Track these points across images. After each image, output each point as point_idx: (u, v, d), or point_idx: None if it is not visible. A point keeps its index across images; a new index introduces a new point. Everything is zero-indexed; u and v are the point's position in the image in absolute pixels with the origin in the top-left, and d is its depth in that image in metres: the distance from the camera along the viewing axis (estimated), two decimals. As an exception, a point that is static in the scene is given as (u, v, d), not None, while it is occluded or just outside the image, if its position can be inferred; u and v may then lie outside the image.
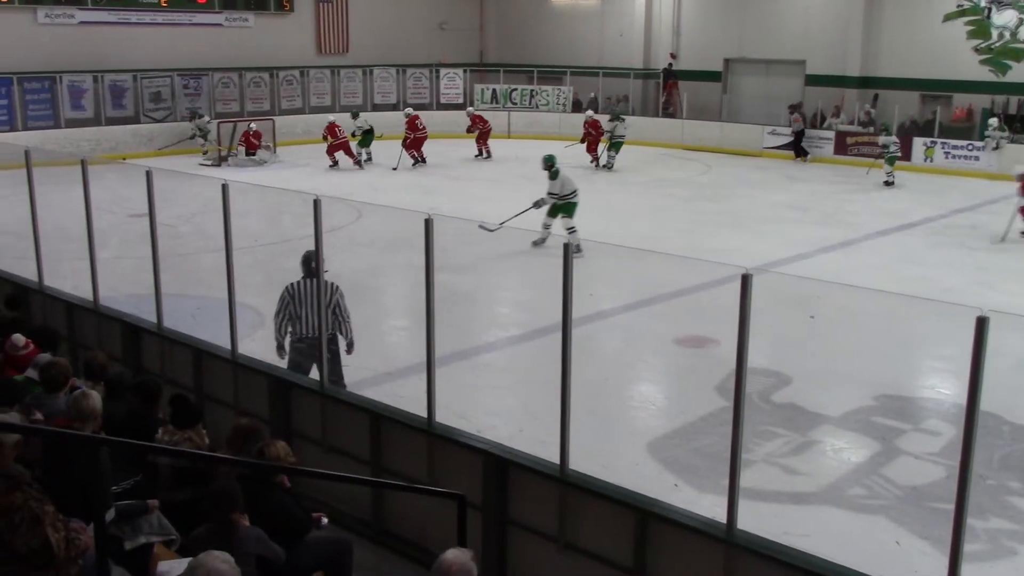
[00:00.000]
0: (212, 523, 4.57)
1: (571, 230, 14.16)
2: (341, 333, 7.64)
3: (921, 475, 7.26)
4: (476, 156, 24.89)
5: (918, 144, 24.05)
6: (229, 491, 4.59)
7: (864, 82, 26.48)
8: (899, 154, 21.65)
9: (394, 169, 22.52)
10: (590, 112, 25.01)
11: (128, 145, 24.02)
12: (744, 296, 4.51)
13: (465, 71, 31.08)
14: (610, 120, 23.39)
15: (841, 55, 26.60)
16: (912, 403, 8.96)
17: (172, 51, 26.00)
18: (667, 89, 29.65)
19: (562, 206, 14.47)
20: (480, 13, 33.98)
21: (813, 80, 27.26)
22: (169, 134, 24.47)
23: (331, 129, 23.06)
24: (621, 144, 23.27)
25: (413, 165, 23.08)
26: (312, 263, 7.40)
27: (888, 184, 21.28)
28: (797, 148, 25.35)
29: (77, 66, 24.11)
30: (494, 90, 30.60)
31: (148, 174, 7.57)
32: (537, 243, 14.32)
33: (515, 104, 30.27)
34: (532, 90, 30.44)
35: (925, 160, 23.81)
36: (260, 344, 8.22)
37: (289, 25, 28.97)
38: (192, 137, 23.95)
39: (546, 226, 14.47)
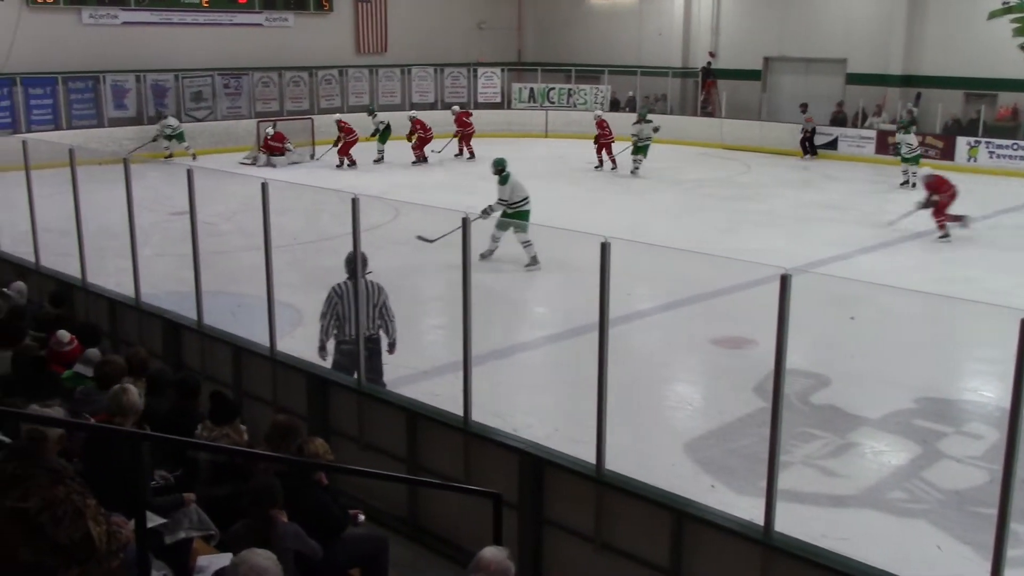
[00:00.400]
0: (251, 519, 4.61)
1: (526, 244, 13.32)
2: (386, 332, 7.62)
3: (963, 479, 7.16)
4: (456, 155, 24.48)
5: (961, 144, 23.72)
6: (268, 487, 4.63)
7: (906, 80, 26.14)
8: (918, 152, 20.91)
9: (436, 152, 23.24)
10: (599, 111, 24.56)
11: (170, 143, 24.29)
12: (783, 296, 4.48)
13: (503, 70, 31.11)
14: (634, 123, 22.39)
15: (883, 53, 26.28)
16: (954, 406, 8.84)
17: (213, 51, 26.26)
18: (706, 88, 29.48)
19: (512, 215, 13.53)
20: (518, 12, 33.99)
21: (854, 79, 26.96)
22: (140, 138, 23.71)
23: (346, 127, 22.90)
24: (647, 147, 22.24)
25: (465, 157, 23.71)
26: (354, 265, 7.42)
27: (905, 185, 20.53)
28: (805, 145, 25.39)
29: (120, 66, 24.43)
30: (531, 89, 30.59)
31: (189, 173, 7.66)
32: (485, 256, 13.31)
33: (552, 103, 30.25)
34: (570, 89, 30.40)
35: (969, 160, 23.47)
36: (299, 342, 8.28)
37: (328, 25, 29.16)
38: (155, 139, 23.31)
39: (495, 239, 13.54)
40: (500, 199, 13.63)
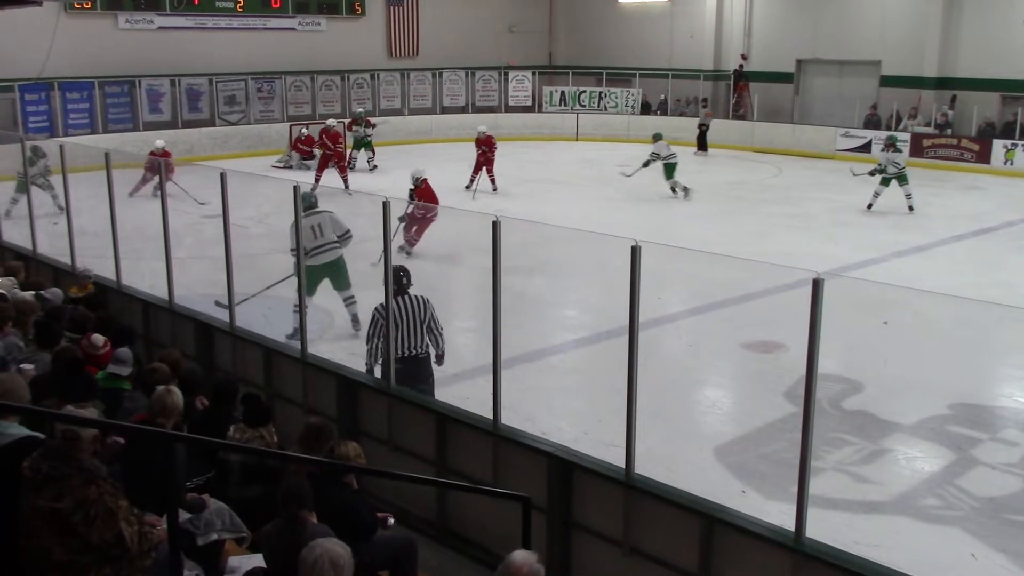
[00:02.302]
0: (281, 520, 4.64)
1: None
2: (435, 347, 7.49)
3: (998, 486, 7.08)
4: (466, 187, 19.94)
5: (998, 147, 23.44)
6: (298, 489, 4.65)
7: (941, 83, 25.85)
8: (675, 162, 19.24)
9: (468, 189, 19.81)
10: (482, 128, 20.26)
11: (203, 147, 24.53)
12: (815, 301, 4.44)
13: (534, 73, 31.13)
14: (654, 139, 20.08)
15: (918, 55, 26.00)
16: (989, 412, 8.73)
17: (247, 55, 26.51)
18: (738, 90, 29.31)
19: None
20: (549, 15, 33.99)
21: (888, 81, 26.70)
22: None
23: (333, 136, 19.79)
24: (674, 167, 19.51)
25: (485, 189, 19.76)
26: (403, 280, 7.37)
27: (684, 190, 19.10)
28: (700, 141, 25.71)
29: (155, 70, 24.70)
30: (563, 92, 30.59)
31: (222, 176, 7.72)
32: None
33: (584, 106, 30.23)
34: (601, 92, 30.36)
35: (1005, 163, 23.19)
36: (329, 344, 8.33)
37: (361, 29, 29.32)
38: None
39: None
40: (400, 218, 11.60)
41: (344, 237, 10.33)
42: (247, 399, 6.27)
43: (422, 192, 13.76)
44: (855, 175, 19.10)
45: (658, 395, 7.91)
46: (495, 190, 19.77)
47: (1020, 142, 23.25)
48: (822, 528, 4.78)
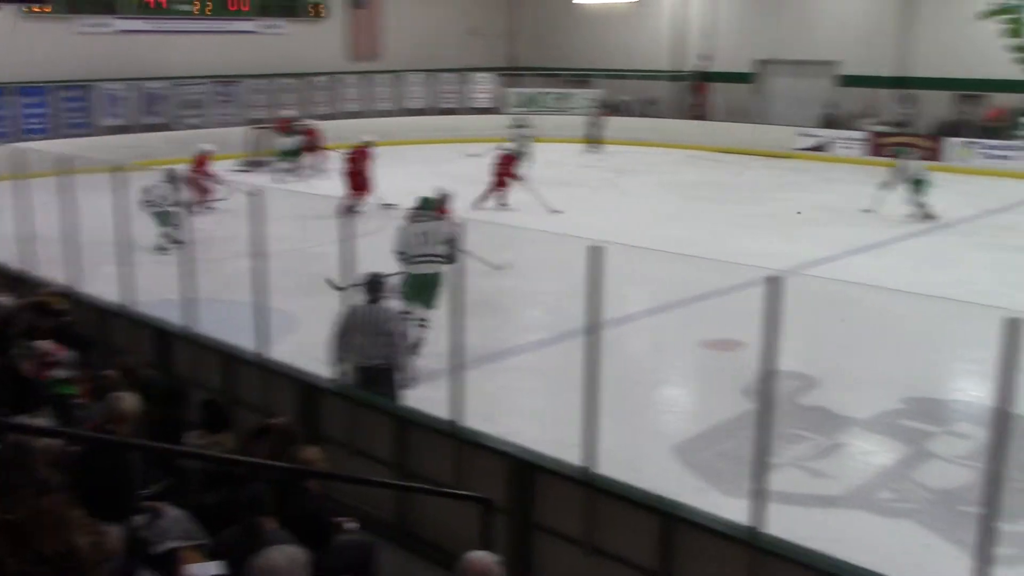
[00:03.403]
0: (240, 526, 4.62)
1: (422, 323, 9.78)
2: (397, 365, 7.21)
3: (951, 478, 7.21)
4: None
5: (952, 145, 23.82)
6: (257, 495, 4.64)
7: (897, 82, 26.22)
8: (923, 179, 17.54)
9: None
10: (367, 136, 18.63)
11: (161, 151, 24.27)
12: (772, 299, 4.50)
13: (495, 75, 31.16)
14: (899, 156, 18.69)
15: (874, 55, 26.35)
16: (942, 406, 8.88)
17: (206, 59, 26.27)
18: (698, 91, 29.55)
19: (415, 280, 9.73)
20: (510, 17, 34.05)
21: (846, 80, 27.04)
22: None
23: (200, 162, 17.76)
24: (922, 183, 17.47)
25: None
26: (374, 288, 7.23)
27: (924, 209, 17.53)
28: (593, 139, 26.29)
29: (114, 74, 24.43)
30: (524, 94, 30.65)
31: (169, 172, 7.62)
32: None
33: (545, 108, 30.31)
34: (562, 93, 30.47)
35: (959, 160, 23.55)
36: (290, 348, 8.30)
37: (322, 31, 29.18)
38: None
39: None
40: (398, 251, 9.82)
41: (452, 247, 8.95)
42: (206, 405, 6.24)
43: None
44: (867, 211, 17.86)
45: (619, 395, 7.93)
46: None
47: (974, 140, 23.63)
48: (779, 523, 4.84)
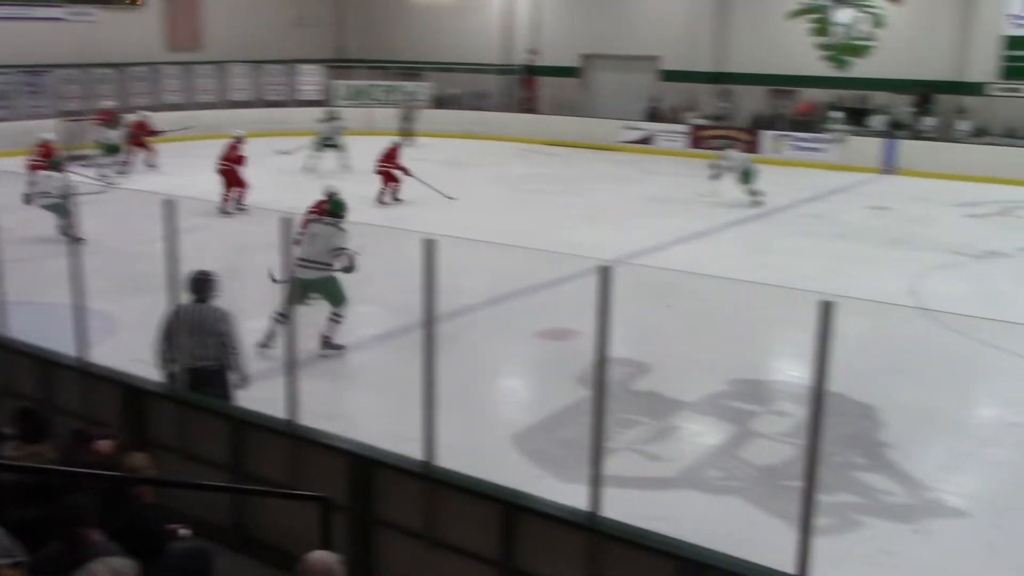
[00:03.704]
0: (62, 540, 4.38)
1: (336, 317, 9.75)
2: (229, 365, 6.99)
3: (773, 455, 7.56)
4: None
5: (767, 137, 25.02)
6: (79, 506, 4.41)
7: (715, 78, 27.36)
8: (749, 168, 18.98)
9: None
10: (240, 131, 18.07)
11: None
12: (603, 288, 4.59)
13: (323, 67, 30.62)
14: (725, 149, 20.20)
15: (693, 52, 27.42)
16: (764, 386, 9.31)
17: (10, 47, 24.68)
18: (526, 85, 29.94)
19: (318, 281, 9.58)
20: (338, 8, 33.55)
21: (667, 75, 28.01)
22: None
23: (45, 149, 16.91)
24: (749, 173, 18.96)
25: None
26: (198, 285, 6.91)
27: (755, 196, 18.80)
28: (406, 131, 26.53)
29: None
30: (353, 86, 30.27)
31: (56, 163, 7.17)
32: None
33: (375, 101, 30.02)
34: (392, 86, 30.26)
35: (774, 152, 24.77)
36: (110, 351, 7.91)
37: (138, 19, 27.93)
38: None
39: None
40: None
41: (336, 255, 9.48)
42: (22, 414, 5.88)
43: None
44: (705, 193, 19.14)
45: (457, 387, 7.94)
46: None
47: (786, 133, 24.90)
48: (616, 506, 4.95)
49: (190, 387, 6.76)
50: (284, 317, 8.69)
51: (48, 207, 13.57)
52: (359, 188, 17.40)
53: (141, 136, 21.80)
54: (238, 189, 17.08)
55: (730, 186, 18.87)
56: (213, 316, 6.93)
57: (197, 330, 6.83)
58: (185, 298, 6.92)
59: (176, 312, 6.85)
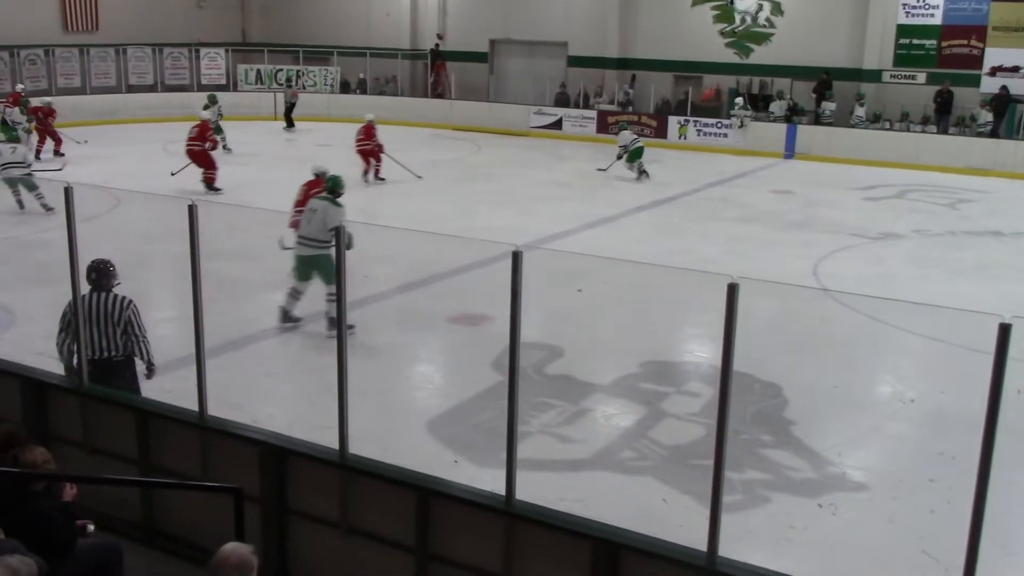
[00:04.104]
0: (-39, 540, 4.23)
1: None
2: (136, 354, 6.79)
3: (684, 435, 7.71)
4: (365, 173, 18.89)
5: (673, 123, 25.38)
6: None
7: (622, 63, 27.65)
8: (642, 146, 20.32)
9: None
10: (370, 116, 19.61)
11: None
12: (515, 272, 4.61)
13: (227, 51, 29.96)
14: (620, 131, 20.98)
15: (601, 38, 27.65)
16: (674, 368, 9.49)
17: None
18: (435, 70, 29.79)
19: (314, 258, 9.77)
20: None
21: (575, 61, 28.20)
22: None
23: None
24: (641, 151, 20.21)
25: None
26: (97, 274, 6.69)
27: (642, 175, 20.09)
28: (288, 119, 26.76)
29: None
30: (258, 71, 29.71)
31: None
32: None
33: (281, 85, 29.51)
34: (298, 71, 29.79)
35: (680, 138, 25.17)
36: (9, 345, 7.66)
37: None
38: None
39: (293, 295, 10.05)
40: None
41: (333, 232, 8.73)
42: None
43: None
44: (601, 170, 20.62)
45: (369, 374, 7.95)
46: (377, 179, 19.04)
47: (692, 118, 25.30)
48: (531, 489, 5.00)
49: (94, 379, 6.57)
50: (298, 292, 9.80)
51: (13, 179, 14.36)
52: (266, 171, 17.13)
53: (48, 122, 21.03)
54: (211, 170, 17.42)
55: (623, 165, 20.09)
56: (117, 305, 6.74)
57: (100, 320, 6.64)
58: (85, 288, 6.73)
59: (76, 303, 6.65)
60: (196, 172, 17.35)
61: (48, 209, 14.43)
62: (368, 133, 18.88)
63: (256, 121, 27.50)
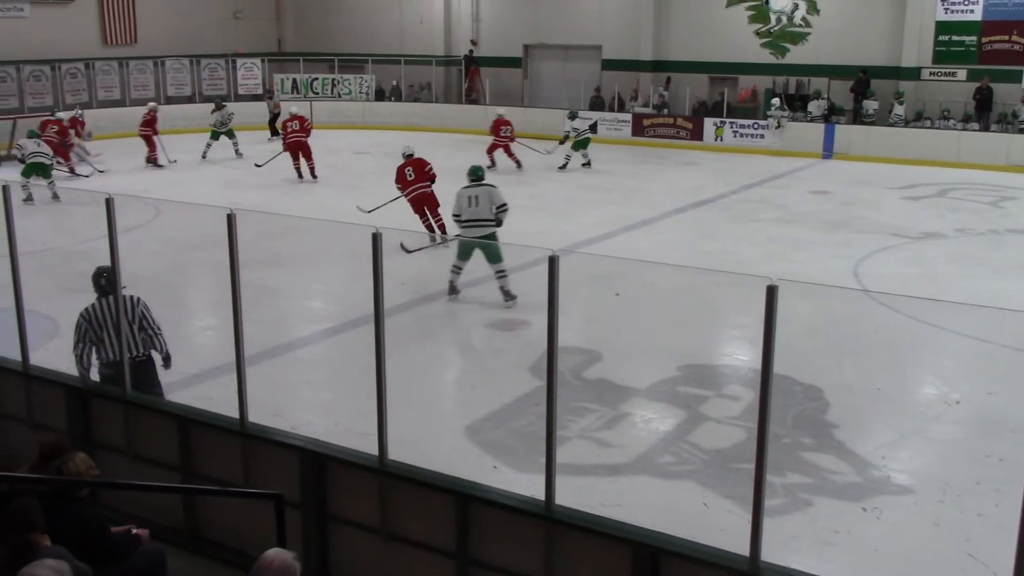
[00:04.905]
0: (9, 546, 4.29)
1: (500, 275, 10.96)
2: (155, 348, 6.98)
3: (724, 438, 7.64)
4: (489, 167, 20.17)
5: (709, 124, 25.23)
6: (25, 511, 4.32)
7: (657, 66, 27.53)
8: (589, 137, 21.81)
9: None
10: (501, 109, 22.41)
11: None
12: (552, 277, 4.60)
13: (263, 61, 30.26)
14: (570, 118, 22.19)
15: (634, 40, 27.56)
16: (713, 371, 9.41)
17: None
18: (469, 76, 29.86)
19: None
20: (276, 1, 33.18)
21: (609, 64, 28.13)
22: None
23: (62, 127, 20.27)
24: (587, 141, 21.71)
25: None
26: (102, 280, 6.82)
27: (585, 161, 21.60)
28: (272, 128, 26.31)
29: None
30: (294, 80, 29.96)
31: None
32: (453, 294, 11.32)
33: (317, 94, 29.75)
34: (334, 79, 30.00)
35: (716, 139, 25.02)
36: (54, 354, 7.76)
37: (70, 15, 27.37)
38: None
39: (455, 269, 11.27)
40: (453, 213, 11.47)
41: (501, 210, 11.06)
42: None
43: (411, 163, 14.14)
44: (547, 152, 22.05)
45: (408, 380, 7.95)
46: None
47: (727, 119, 25.15)
48: (570, 494, 4.99)
49: (117, 382, 6.70)
50: (459, 268, 11.12)
51: (35, 165, 16.86)
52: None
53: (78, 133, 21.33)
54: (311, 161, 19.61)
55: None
56: (129, 304, 6.88)
57: (111, 323, 6.74)
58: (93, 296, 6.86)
59: (93, 310, 6.78)
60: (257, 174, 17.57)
61: (55, 197, 16.76)
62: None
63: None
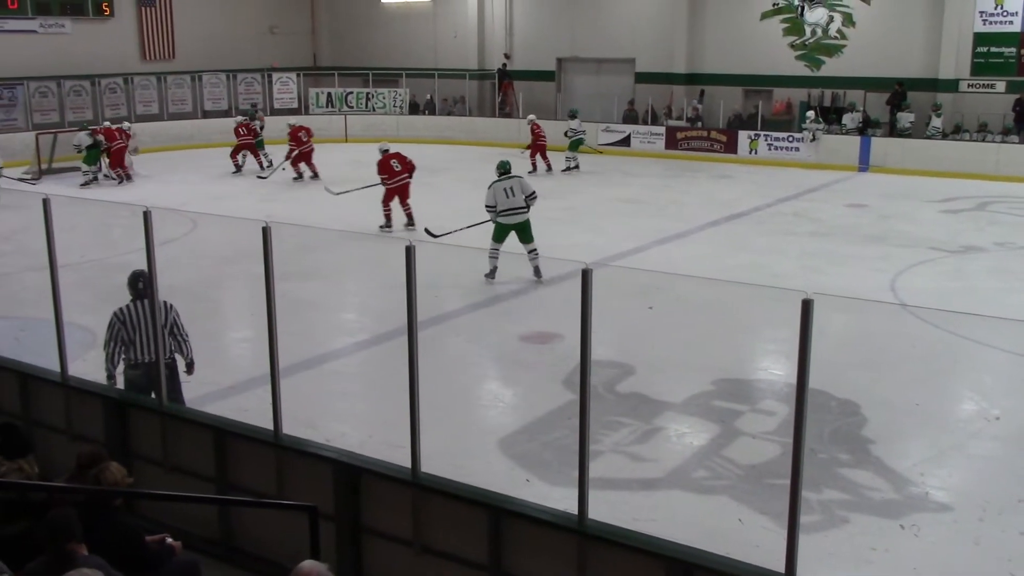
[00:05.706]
0: (47, 556, 4.34)
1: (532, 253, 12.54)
2: (180, 354, 7.22)
3: (759, 454, 7.58)
4: (530, 172, 21.96)
5: (743, 137, 25.12)
6: (64, 521, 4.37)
7: (690, 79, 27.45)
8: (583, 139, 23.54)
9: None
10: (532, 116, 23.84)
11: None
12: (585, 290, 4.59)
13: (298, 75, 30.54)
14: (570, 117, 23.70)
15: (668, 53, 27.51)
16: (748, 385, 9.34)
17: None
18: (503, 89, 29.95)
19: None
20: (311, 16, 33.48)
21: (643, 77, 28.08)
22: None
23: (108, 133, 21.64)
24: (580, 141, 23.51)
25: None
26: (139, 284, 7.02)
27: (570, 170, 22.89)
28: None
29: None
30: (329, 94, 30.19)
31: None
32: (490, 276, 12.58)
33: (351, 108, 29.96)
34: (368, 93, 30.21)
35: (750, 152, 24.90)
36: (92, 365, 7.85)
37: (110, 31, 27.80)
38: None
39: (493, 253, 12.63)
40: (487, 206, 12.69)
41: (531, 198, 12.47)
42: (3, 429, 5.83)
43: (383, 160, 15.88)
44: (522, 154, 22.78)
45: (441, 393, 7.96)
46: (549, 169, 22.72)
47: (762, 132, 25.03)
48: (604, 508, 4.97)
49: (141, 386, 6.91)
50: (496, 251, 12.48)
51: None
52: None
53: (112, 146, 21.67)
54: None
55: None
56: (166, 311, 7.09)
57: (151, 326, 6.89)
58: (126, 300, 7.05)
59: (125, 314, 6.96)
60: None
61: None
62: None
63: (327, 143, 27.94)
